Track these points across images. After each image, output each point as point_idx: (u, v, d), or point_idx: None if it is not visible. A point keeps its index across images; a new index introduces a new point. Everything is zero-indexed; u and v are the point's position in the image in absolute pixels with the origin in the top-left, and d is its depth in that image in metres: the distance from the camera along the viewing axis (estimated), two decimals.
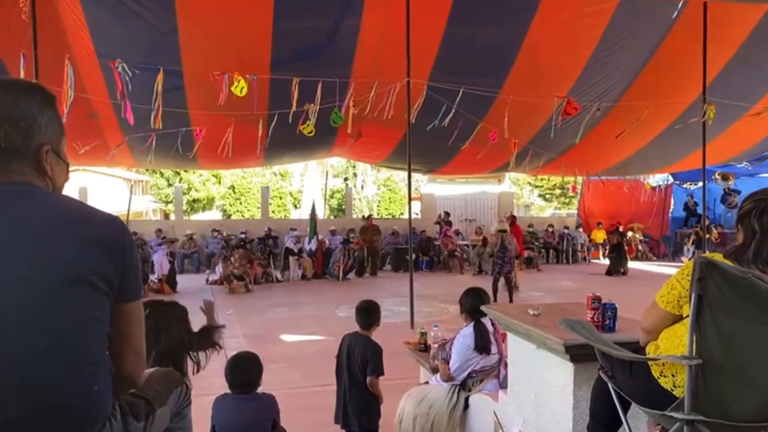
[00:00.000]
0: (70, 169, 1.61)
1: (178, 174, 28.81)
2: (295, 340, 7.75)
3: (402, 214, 29.51)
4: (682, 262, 16.32)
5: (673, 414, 1.94)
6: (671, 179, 19.40)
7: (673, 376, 2.05)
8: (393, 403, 3.87)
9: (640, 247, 18.36)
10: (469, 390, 3.75)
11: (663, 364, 2.08)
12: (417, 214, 19.02)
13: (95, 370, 1.35)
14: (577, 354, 2.64)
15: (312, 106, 8.94)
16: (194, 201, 30.09)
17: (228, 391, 3.05)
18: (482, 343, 3.74)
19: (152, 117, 8.26)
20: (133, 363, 1.47)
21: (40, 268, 1.28)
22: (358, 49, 9.42)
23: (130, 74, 7.69)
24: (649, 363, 2.12)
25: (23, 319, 1.25)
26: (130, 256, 1.43)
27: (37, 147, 1.40)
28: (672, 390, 2.04)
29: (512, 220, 13.57)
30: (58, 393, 1.28)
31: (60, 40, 8.22)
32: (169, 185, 29.56)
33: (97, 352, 1.36)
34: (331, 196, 30.15)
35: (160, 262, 12.07)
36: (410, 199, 9.89)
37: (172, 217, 22.50)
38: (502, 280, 10.23)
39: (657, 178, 19.72)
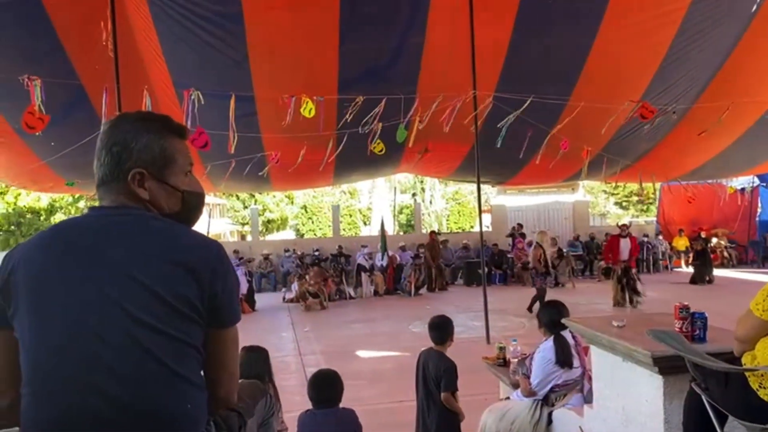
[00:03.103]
0: None
1: (253, 196, 29.74)
2: (371, 356, 7.80)
3: (472, 227, 29.25)
4: None
5: None
6: (757, 181, 18.39)
7: None
8: (474, 418, 3.83)
9: (725, 254, 17.50)
10: (552, 405, 3.67)
11: (762, 375, 1.98)
12: (488, 226, 18.78)
13: (188, 389, 1.36)
14: (666, 366, 2.54)
15: (379, 125, 9.06)
16: (269, 222, 30.96)
17: (310, 407, 3.12)
18: (563, 357, 3.65)
19: (229, 142, 8.59)
20: (227, 385, 1.49)
21: (130, 287, 1.32)
22: (423, 65, 9.47)
23: (203, 102, 8.01)
24: (747, 374, 2.03)
25: (115, 338, 1.30)
26: (222, 282, 1.42)
27: (127, 171, 1.45)
28: None
29: (624, 229, 12.12)
30: (153, 410, 1.31)
31: (139, 72, 8.69)
32: (245, 207, 30.55)
33: (189, 371, 1.37)
34: (400, 212, 30.31)
35: (239, 281, 12.43)
36: (480, 212, 9.80)
37: (249, 238, 23.14)
38: None
39: (741, 181, 18.72)
